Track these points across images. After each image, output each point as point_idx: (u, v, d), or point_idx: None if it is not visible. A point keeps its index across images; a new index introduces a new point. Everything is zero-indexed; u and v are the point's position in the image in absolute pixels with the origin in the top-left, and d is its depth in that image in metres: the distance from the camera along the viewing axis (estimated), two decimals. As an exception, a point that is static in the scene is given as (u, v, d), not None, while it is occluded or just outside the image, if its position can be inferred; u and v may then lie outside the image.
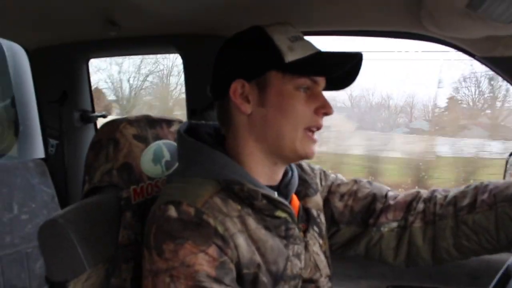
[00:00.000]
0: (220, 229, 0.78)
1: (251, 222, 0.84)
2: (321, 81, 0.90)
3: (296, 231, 0.90)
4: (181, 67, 1.67)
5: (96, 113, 1.96)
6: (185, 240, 0.76)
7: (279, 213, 0.87)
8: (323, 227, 1.02)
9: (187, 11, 1.36)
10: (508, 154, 1.53)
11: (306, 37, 0.93)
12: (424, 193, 1.04)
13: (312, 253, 0.95)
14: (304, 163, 1.08)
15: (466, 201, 0.98)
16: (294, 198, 0.96)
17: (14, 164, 1.80)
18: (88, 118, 1.93)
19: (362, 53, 0.89)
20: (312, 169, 1.08)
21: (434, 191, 1.04)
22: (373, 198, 1.05)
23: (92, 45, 1.75)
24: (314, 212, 1.00)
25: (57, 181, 1.89)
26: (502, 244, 0.95)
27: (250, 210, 0.85)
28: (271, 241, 0.84)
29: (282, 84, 0.87)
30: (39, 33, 1.70)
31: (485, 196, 0.97)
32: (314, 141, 0.89)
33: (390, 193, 1.07)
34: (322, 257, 0.98)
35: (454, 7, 0.98)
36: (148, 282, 0.79)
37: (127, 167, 1.02)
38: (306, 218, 0.98)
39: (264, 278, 0.82)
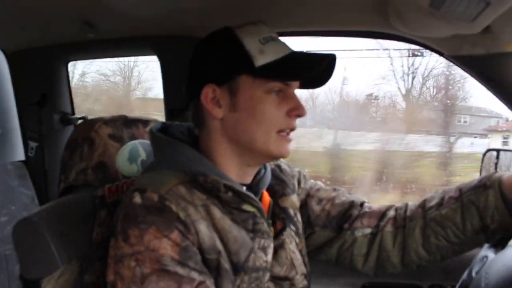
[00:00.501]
0: (182, 215, 0.80)
1: (216, 212, 0.85)
2: (294, 82, 0.91)
3: (264, 226, 0.91)
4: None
5: (76, 115, 1.96)
6: (149, 225, 0.79)
7: (247, 207, 0.89)
8: (300, 226, 1.04)
9: (162, 13, 1.37)
10: (484, 150, 1.57)
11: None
12: (400, 203, 1.08)
13: (289, 251, 0.97)
14: (283, 164, 1.10)
15: (434, 201, 1.02)
16: (265, 194, 0.98)
17: (-7, 167, 1.80)
18: (68, 120, 1.92)
19: (335, 54, 0.90)
20: (291, 170, 1.10)
21: (407, 202, 1.08)
22: (350, 205, 1.08)
23: (71, 48, 1.75)
24: (291, 211, 1.02)
25: (37, 183, 1.88)
26: (468, 235, 0.98)
27: (216, 201, 0.87)
28: (235, 232, 0.86)
29: (253, 88, 0.88)
30: (17, 35, 1.69)
31: (452, 192, 1.01)
32: (288, 141, 0.91)
33: (366, 204, 1.10)
34: (298, 255, 1.00)
35: (419, 6, 1.01)
36: (110, 268, 0.81)
37: (102, 166, 1.03)
38: (283, 216, 1.00)
39: (226, 265, 0.84)
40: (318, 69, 0.88)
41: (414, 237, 1.02)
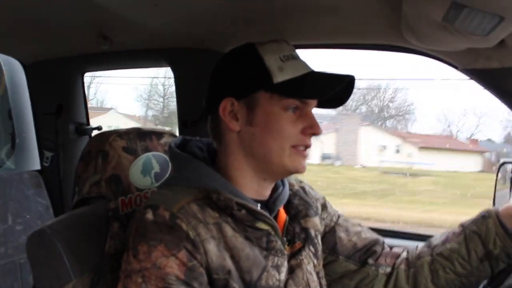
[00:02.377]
0: (191, 234, 0.81)
1: (228, 230, 0.86)
2: (311, 101, 0.92)
3: (278, 244, 0.91)
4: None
5: (91, 126, 1.99)
6: (158, 243, 0.80)
7: (260, 225, 0.89)
8: (319, 249, 1.04)
9: (176, 25, 1.39)
10: (499, 164, 1.55)
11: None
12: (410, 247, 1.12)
13: (305, 272, 0.96)
14: (307, 186, 1.11)
15: (439, 239, 1.07)
16: (281, 212, 0.98)
17: (9, 175, 1.83)
18: (83, 130, 1.95)
19: (353, 75, 0.91)
20: (315, 193, 1.11)
21: (417, 245, 1.11)
22: (375, 242, 1.10)
23: (86, 59, 1.78)
24: (312, 232, 1.02)
25: (52, 193, 1.91)
26: (473, 265, 1.01)
27: (229, 218, 0.87)
28: (248, 250, 0.86)
29: (270, 104, 0.89)
30: (35, 47, 1.73)
31: (455, 229, 1.06)
32: (303, 156, 0.91)
33: (386, 244, 1.12)
34: (314, 277, 0.99)
35: (432, 20, 1.00)
36: (120, 282, 0.82)
37: (116, 179, 1.04)
38: (304, 237, 1.00)
39: (236, 285, 0.83)
40: (334, 90, 0.88)
41: (423, 273, 1.04)
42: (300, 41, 1.43)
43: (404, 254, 1.09)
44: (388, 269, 1.07)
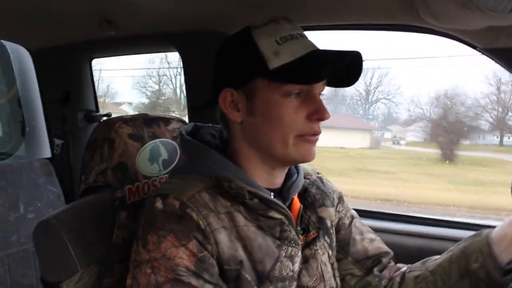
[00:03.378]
0: (202, 223, 0.79)
1: (240, 219, 0.83)
2: (319, 83, 0.85)
3: (292, 233, 0.89)
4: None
5: (100, 113, 1.97)
6: (167, 233, 0.78)
7: (274, 214, 0.87)
8: (334, 239, 1.01)
9: (181, 8, 1.36)
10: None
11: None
12: None
13: (320, 262, 0.94)
14: (324, 178, 1.08)
15: (436, 256, 1.02)
16: (296, 201, 0.95)
17: (20, 164, 1.83)
18: (92, 117, 1.94)
19: (358, 51, 0.84)
20: (332, 185, 1.08)
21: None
22: (385, 253, 1.07)
23: (93, 45, 1.76)
24: (328, 223, 0.99)
25: (63, 180, 1.91)
26: (453, 280, 0.96)
27: (241, 207, 0.84)
28: (261, 240, 0.84)
29: (269, 92, 0.84)
30: (41, 34, 1.71)
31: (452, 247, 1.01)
32: (311, 143, 0.86)
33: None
34: (329, 268, 0.97)
35: (450, -2, 0.95)
36: (130, 273, 0.80)
37: (122, 167, 1.02)
38: (319, 226, 0.97)
39: (248, 275, 0.81)
40: (333, 70, 0.82)
41: (408, 285, 1.01)
42: (309, 22, 1.38)
43: (404, 268, 1.05)
44: (390, 283, 1.04)
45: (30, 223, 1.75)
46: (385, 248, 1.08)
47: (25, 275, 1.71)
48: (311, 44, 0.86)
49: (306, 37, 0.87)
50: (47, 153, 1.99)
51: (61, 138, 1.91)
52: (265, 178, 0.90)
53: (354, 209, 1.12)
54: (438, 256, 1.01)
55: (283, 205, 0.87)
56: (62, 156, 1.92)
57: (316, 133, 0.86)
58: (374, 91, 9.42)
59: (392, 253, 1.09)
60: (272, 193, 0.89)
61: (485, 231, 0.95)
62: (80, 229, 0.94)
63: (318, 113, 0.84)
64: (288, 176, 0.94)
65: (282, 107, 0.83)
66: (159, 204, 0.81)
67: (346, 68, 0.84)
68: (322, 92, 0.89)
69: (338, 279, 1.00)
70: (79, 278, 0.90)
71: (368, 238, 1.07)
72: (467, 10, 0.98)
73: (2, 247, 1.67)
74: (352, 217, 1.08)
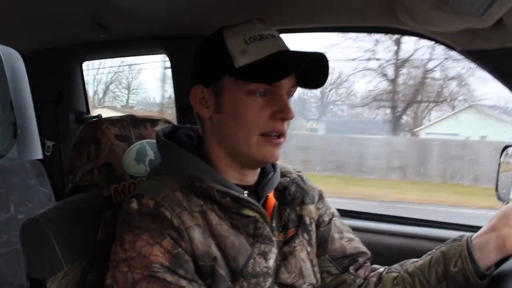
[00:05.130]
0: (175, 221, 0.81)
1: (213, 218, 0.85)
2: (284, 82, 0.87)
3: (266, 231, 0.90)
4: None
5: (91, 115, 1.98)
6: (142, 232, 0.79)
7: (247, 212, 0.89)
8: (314, 236, 1.03)
9: (171, 13, 1.38)
10: (502, 147, 1.52)
11: (285, 35, 0.91)
12: None
13: (299, 259, 0.96)
14: (305, 176, 1.09)
15: (415, 259, 1.03)
16: (271, 198, 0.97)
17: (12, 165, 1.85)
18: (83, 119, 1.95)
19: (321, 52, 0.86)
20: (312, 183, 1.10)
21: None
22: (362, 253, 1.08)
23: (84, 48, 1.78)
24: (307, 220, 1.01)
25: (54, 181, 1.92)
26: (432, 283, 0.96)
27: (215, 206, 0.86)
28: (233, 238, 0.86)
29: (235, 90, 0.86)
30: (32, 37, 1.73)
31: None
32: (273, 145, 0.87)
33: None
34: (308, 264, 0.99)
35: (426, 0, 0.98)
36: (109, 272, 0.82)
37: (108, 167, 1.04)
38: (297, 224, 0.99)
39: (222, 271, 0.83)
40: (295, 70, 0.85)
41: (385, 286, 1.01)
42: (292, 25, 1.41)
43: (381, 270, 1.06)
44: (365, 283, 1.04)
45: (20, 224, 1.75)
46: (363, 248, 1.09)
47: (15, 275, 1.72)
48: (280, 44, 0.89)
49: (278, 38, 0.90)
50: (39, 155, 2.00)
51: (53, 140, 1.92)
52: (237, 177, 0.92)
53: (337, 209, 1.13)
54: (417, 259, 1.02)
55: (256, 203, 0.89)
56: (53, 157, 1.93)
57: (281, 132, 0.88)
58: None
59: (369, 253, 1.09)
60: (246, 191, 0.91)
61: (466, 235, 0.96)
62: (66, 227, 0.96)
63: (282, 112, 0.86)
64: (264, 173, 0.96)
65: (246, 105, 0.86)
66: (134, 205, 0.83)
67: (312, 69, 0.87)
68: (294, 94, 0.92)
69: (318, 276, 1.01)
70: (64, 274, 0.92)
71: (347, 238, 1.08)
72: (443, 13, 1.01)
73: (-7, 247, 1.69)
74: (332, 215, 1.09)
